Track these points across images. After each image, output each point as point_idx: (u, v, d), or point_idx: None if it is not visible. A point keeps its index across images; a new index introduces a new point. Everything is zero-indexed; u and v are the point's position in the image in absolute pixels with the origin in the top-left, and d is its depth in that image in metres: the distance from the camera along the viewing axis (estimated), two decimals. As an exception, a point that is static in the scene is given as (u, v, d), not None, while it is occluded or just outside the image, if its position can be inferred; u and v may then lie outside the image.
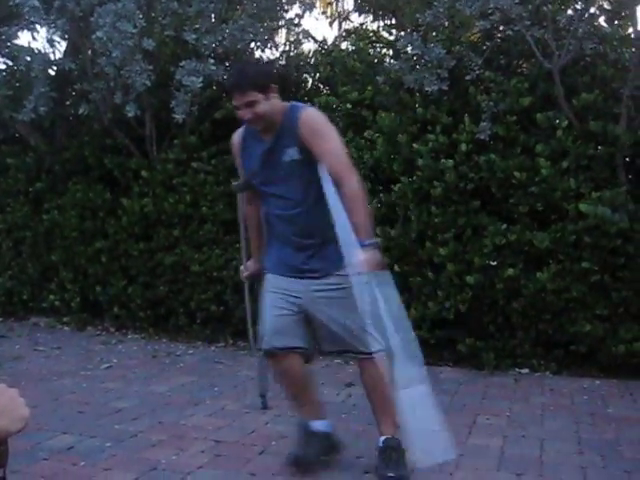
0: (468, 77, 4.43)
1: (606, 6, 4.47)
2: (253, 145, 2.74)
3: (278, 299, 2.75)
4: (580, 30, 4.18)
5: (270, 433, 3.17)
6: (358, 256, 2.47)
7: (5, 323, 5.74)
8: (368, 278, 2.44)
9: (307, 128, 2.62)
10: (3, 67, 5.68)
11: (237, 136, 2.85)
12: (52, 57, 5.35)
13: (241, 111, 2.61)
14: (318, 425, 2.81)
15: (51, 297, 5.70)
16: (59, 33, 5.13)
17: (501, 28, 4.36)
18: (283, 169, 2.67)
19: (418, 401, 2.40)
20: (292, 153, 2.64)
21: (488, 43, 4.52)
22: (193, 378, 4.14)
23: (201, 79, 4.57)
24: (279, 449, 2.97)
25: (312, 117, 2.69)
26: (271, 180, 2.72)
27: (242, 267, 3.15)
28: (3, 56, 5.54)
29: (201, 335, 5.14)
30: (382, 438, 2.72)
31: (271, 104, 2.62)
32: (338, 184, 2.56)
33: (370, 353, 2.67)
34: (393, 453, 2.68)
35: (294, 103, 2.77)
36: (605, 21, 4.43)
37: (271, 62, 5.34)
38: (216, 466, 2.80)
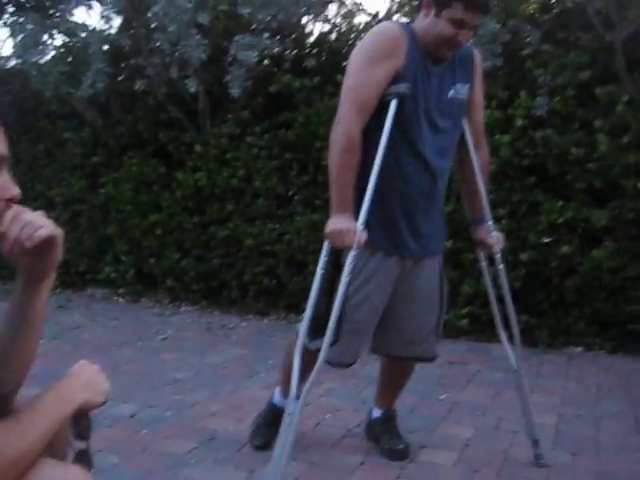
0: (525, 51, 4.35)
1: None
2: (418, 60, 2.19)
3: (379, 301, 2.32)
4: (644, 1, 4.06)
5: (324, 406, 3.21)
6: (498, 233, 2.40)
7: (63, 294, 5.91)
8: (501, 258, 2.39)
9: (480, 72, 2.32)
10: (59, 43, 5.79)
11: (400, 33, 2.17)
12: (106, 33, 5.43)
13: (463, 31, 2.11)
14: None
15: (107, 269, 5.85)
16: (114, 9, 5.21)
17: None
18: (443, 104, 2.23)
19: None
20: (462, 91, 2.25)
21: (546, 16, 4.42)
22: (247, 350, 4.23)
23: (256, 53, 4.58)
24: (334, 422, 3.01)
25: (481, 62, 2.37)
26: (434, 114, 2.21)
27: (357, 226, 2.12)
28: (60, 33, 5.64)
29: (253, 308, 5.21)
30: (381, 410, 2.72)
31: None
32: (477, 146, 2.37)
33: (432, 359, 2.58)
34: (392, 424, 2.71)
35: None
36: (670, -9, 4.28)
37: None
38: (273, 437, 2.86)
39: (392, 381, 2.73)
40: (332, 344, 2.20)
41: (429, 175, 2.26)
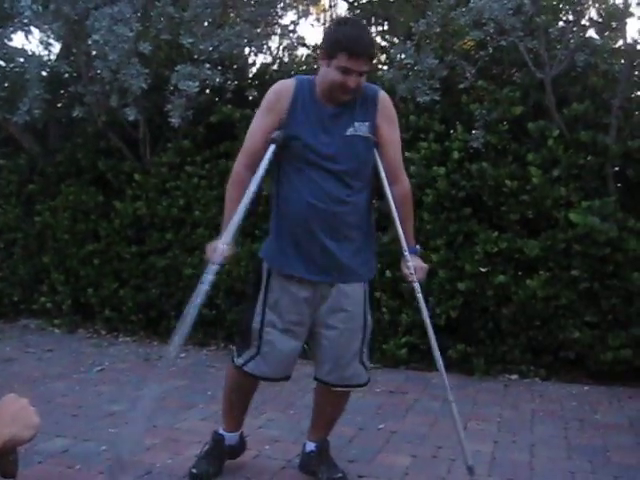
0: (461, 86, 4.49)
1: (597, 18, 4.53)
2: (309, 106, 2.44)
3: (291, 315, 2.49)
4: (572, 41, 4.26)
5: (263, 437, 3.19)
6: (418, 263, 2.51)
7: (-5, 325, 5.73)
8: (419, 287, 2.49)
9: (386, 110, 2.49)
10: (-4, 68, 5.68)
11: (287, 87, 2.47)
12: (46, 59, 5.36)
13: (351, 77, 2.33)
14: (231, 438, 2.77)
15: (42, 299, 5.69)
16: (54, 36, 5.15)
17: (494, 38, 4.41)
18: (342, 142, 2.42)
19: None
20: (361, 128, 2.43)
21: (481, 52, 4.57)
22: (185, 382, 4.16)
23: (197, 83, 4.59)
24: (273, 453, 3.00)
25: (389, 101, 2.53)
26: (328, 151, 2.41)
27: (222, 245, 2.39)
28: (-4, 57, 5.54)
29: (192, 338, 5.13)
30: (315, 442, 2.74)
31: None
32: (393, 180, 2.49)
33: (362, 385, 2.62)
34: (327, 454, 2.73)
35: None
36: (596, 33, 4.49)
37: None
38: (211, 470, 2.81)
39: (325, 412, 2.74)
40: (254, 357, 2.53)
41: (333, 205, 2.41)
